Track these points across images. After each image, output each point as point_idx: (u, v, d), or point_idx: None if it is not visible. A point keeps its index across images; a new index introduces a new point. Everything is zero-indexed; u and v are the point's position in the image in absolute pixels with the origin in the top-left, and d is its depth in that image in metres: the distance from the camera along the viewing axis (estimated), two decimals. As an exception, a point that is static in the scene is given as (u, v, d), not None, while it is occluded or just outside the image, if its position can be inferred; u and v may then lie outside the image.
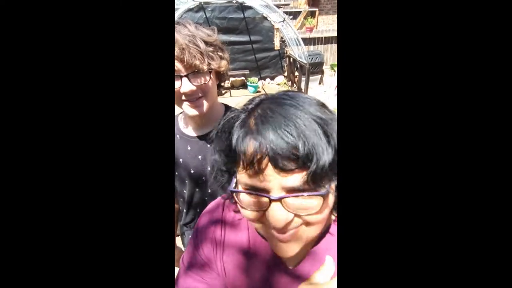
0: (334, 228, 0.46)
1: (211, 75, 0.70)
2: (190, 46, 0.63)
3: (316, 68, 5.23)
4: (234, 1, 4.70)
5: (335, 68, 5.32)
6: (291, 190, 0.34)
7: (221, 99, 0.79)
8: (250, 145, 0.34)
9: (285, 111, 0.34)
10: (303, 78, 4.50)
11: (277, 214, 0.34)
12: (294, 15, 5.93)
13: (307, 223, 0.36)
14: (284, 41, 5.03)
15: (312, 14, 6.09)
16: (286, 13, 5.27)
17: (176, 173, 0.82)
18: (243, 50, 5.06)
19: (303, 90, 4.27)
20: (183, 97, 0.68)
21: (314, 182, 0.33)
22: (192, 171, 0.80)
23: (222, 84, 0.78)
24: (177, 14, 4.40)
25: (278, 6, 5.41)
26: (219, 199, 0.55)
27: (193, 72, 0.66)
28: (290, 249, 0.38)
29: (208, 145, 0.78)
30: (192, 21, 0.69)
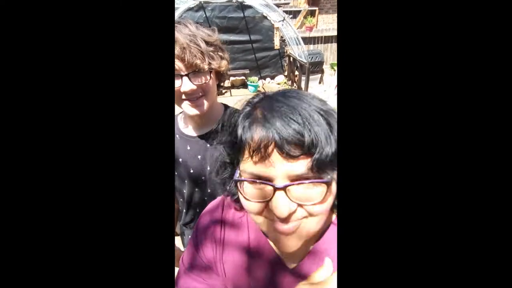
0: (334, 228, 0.46)
1: (211, 75, 0.70)
2: (191, 45, 0.63)
3: (316, 67, 5.23)
4: (234, 0, 4.69)
5: (335, 67, 5.32)
6: (295, 178, 0.34)
7: (221, 99, 0.79)
8: (256, 132, 0.35)
9: (290, 102, 0.36)
10: (303, 77, 4.50)
11: (281, 203, 0.34)
12: (294, 14, 5.92)
13: (310, 214, 0.36)
14: (284, 40, 5.03)
15: (312, 13, 6.08)
16: (286, 12, 5.26)
17: (176, 173, 0.82)
18: (243, 49, 5.05)
19: (303, 89, 4.27)
20: (183, 96, 0.68)
21: (318, 169, 0.34)
22: (192, 171, 0.80)
23: (222, 84, 0.78)
24: (177, 14, 4.40)
25: (278, 5, 5.40)
26: (219, 199, 0.55)
27: (194, 71, 0.66)
28: (292, 243, 0.38)
29: (208, 145, 0.78)
30: (193, 21, 0.69)
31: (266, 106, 0.36)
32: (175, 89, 0.66)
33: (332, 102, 0.39)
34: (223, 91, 4.72)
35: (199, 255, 0.52)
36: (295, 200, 0.35)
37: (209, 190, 0.82)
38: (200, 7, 4.62)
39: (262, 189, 0.36)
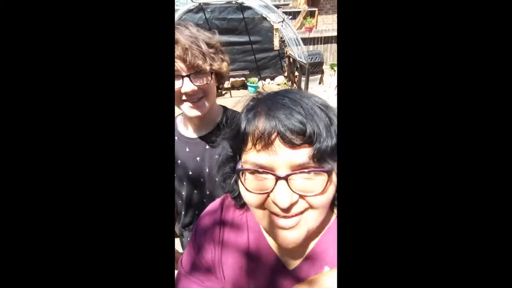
0: (333, 228, 0.45)
1: (212, 76, 0.70)
2: (193, 46, 0.64)
3: (316, 68, 5.24)
4: (233, 2, 4.70)
5: (335, 68, 5.32)
6: (297, 168, 0.35)
7: (221, 100, 0.79)
8: (260, 123, 0.36)
9: (292, 96, 0.38)
10: (303, 78, 4.50)
11: (283, 193, 0.35)
12: (294, 15, 5.93)
13: (311, 207, 0.37)
14: (284, 41, 5.04)
15: (311, 14, 6.10)
16: (286, 13, 5.27)
17: (175, 175, 0.82)
18: (243, 50, 5.06)
19: (303, 90, 4.26)
20: (184, 97, 0.68)
21: (319, 159, 0.35)
22: (190, 173, 0.80)
23: (221, 85, 0.78)
24: (177, 15, 4.41)
25: (277, 6, 5.41)
26: (218, 201, 0.55)
27: (195, 72, 0.66)
28: (293, 237, 0.38)
29: (207, 147, 0.78)
30: (193, 23, 0.70)
31: (269, 100, 0.38)
32: (175, 90, 0.66)
33: (332, 102, 0.39)
34: (223, 92, 4.73)
35: (198, 257, 0.52)
36: (297, 191, 0.35)
37: (208, 192, 0.82)
38: (199, 9, 4.63)
39: (263, 180, 0.37)
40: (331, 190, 0.37)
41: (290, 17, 5.54)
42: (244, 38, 4.97)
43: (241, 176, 0.38)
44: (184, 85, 0.66)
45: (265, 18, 4.94)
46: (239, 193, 0.44)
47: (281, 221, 0.37)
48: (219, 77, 0.75)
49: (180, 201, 0.87)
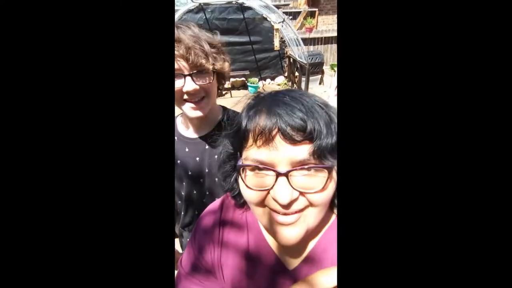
0: (333, 228, 0.45)
1: (214, 76, 0.70)
2: (196, 46, 0.64)
3: (316, 68, 5.24)
4: (233, 2, 4.70)
5: (335, 68, 5.32)
6: (298, 164, 0.35)
7: (222, 100, 0.79)
8: (261, 119, 0.36)
9: (293, 94, 0.38)
10: (303, 78, 4.50)
11: (283, 189, 0.35)
12: (294, 15, 5.93)
13: (311, 204, 0.37)
14: (284, 41, 5.04)
15: (311, 15, 6.09)
16: (286, 13, 5.27)
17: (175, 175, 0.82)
18: (243, 50, 5.07)
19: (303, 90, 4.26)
20: (185, 97, 0.68)
21: (319, 156, 0.35)
22: (190, 173, 0.80)
23: (220, 87, 0.78)
24: (177, 15, 4.41)
25: (278, 7, 5.41)
26: (218, 201, 0.55)
27: (197, 71, 0.66)
28: (292, 234, 0.38)
29: (207, 147, 0.78)
30: (195, 23, 0.70)
31: (270, 99, 0.38)
32: (177, 89, 0.66)
33: (332, 102, 0.40)
34: (224, 92, 4.73)
35: (198, 258, 0.52)
36: (297, 188, 0.35)
37: (207, 192, 0.81)
38: (200, 9, 4.64)
39: (264, 177, 0.37)
40: (331, 187, 0.37)
41: (291, 17, 5.54)
42: (245, 38, 4.97)
43: (241, 172, 0.38)
44: (186, 84, 0.66)
45: (265, 19, 4.94)
46: (239, 191, 0.44)
47: (281, 218, 0.37)
48: (221, 77, 0.75)
49: (179, 201, 0.87)
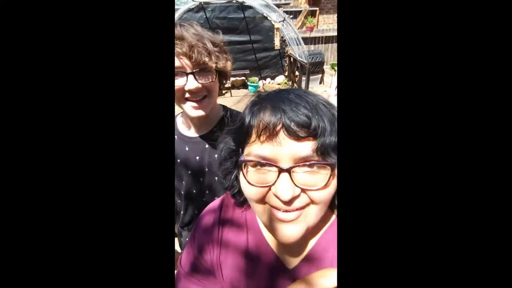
0: (333, 228, 0.45)
1: (216, 75, 0.70)
2: (199, 44, 0.63)
3: (316, 67, 5.23)
4: (234, 1, 4.69)
5: (336, 68, 5.31)
6: (300, 161, 0.35)
7: (222, 99, 0.79)
8: (266, 115, 0.36)
9: (298, 92, 0.39)
10: (304, 78, 4.50)
11: (285, 185, 0.35)
12: (295, 14, 5.92)
13: (312, 202, 0.37)
14: (285, 40, 5.03)
15: (312, 14, 6.08)
16: (287, 12, 5.26)
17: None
18: (244, 49, 5.06)
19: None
20: (187, 95, 0.68)
21: (322, 153, 0.35)
22: (190, 172, 0.80)
23: (222, 86, 0.78)
24: (177, 14, 4.41)
25: (278, 6, 5.40)
26: (217, 200, 0.55)
27: (200, 69, 0.66)
28: (293, 231, 0.38)
29: (207, 146, 0.78)
30: (197, 22, 0.69)
31: (275, 96, 0.39)
32: (179, 87, 0.66)
33: (332, 102, 0.40)
34: (224, 91, 4.73)
35: (197, 257, 0.52)
36: (299, 185, 0.35)
37: (207, 191, 0.81)
38: (200, 8, 4.63)
39: (266, 173, 0.37)
40: (334, 185, 0.37)
41: (291, 16, 5.53)
42: (245, 37, 4.96)
43: (243, 168, 0.38)
44: (188, 83, 0.65)
45: (266, 17, 4.93)
46: (239, 189, 0.44)
47: (281, 215, 0.37)
48: (222, 76, 0.75)
49: (179, 200, 0.87)
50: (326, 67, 5.55)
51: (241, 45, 4.98)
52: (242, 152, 0.40)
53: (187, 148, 0.79)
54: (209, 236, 0.51)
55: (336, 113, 0.38)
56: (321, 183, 0.36)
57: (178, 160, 0.80)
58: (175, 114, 0.81)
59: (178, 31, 0.63)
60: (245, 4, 4.73)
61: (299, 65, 4.80)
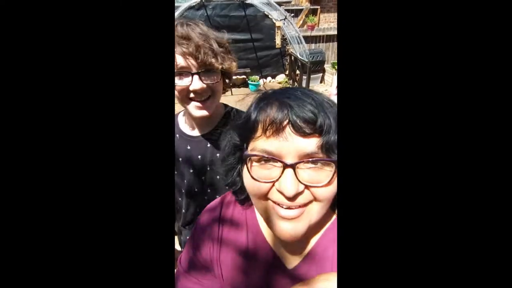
0: (333, 228, 0.45)
1: (220, 75, 0.70)
2: (205, 44, 0.63)
3: (317, 66, 5.22)
4: (235, -1, 4.68)
5: (337, 67, 5.29)
6: (305, 157, 0.35)
7: (222, 97, 0.78)
8: (272, 110, 0.37)
9: (303, 90, 0.39)
10: (305, 77, 4.48)
11: (289, 181, 0.35)
12: (296, 13, 5.89)
13: (315, 199, 0.37)
14: (286, 39, 5.01)
15: (313, 12, 6.05)
16: (288, 11, 5.24)
17: (175, 173, 0.82)
18: (244, 48, 5.04)
19: (304, 89, 4.24)
20: (191, 95, 0.67)
21: (327, 149, 0.35)
22: (191, 171, 0.80)
23: (225, 86, 0.78)
24: (178, 12, 4.39)
25: (280, 4, 5.37)
26: (218, 199, 0.55)
27: (205, 70, 0.65)
28: (295, 229, 0.38)
29: (208, 145, 0.78)
30: (203, 22, 0.69)
31: (281, 93, 0.39)
32: (183, 87, 0.66)
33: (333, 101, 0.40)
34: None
35: (196, 256, 0.52)
36: (303, 181, 0.36)
37: (209, 190, 0.81)
38: (201, 6, 4.61)
39: (270, 169, 0.37)
40: (337, 182, 0.37)
41: (292, 14, 5.51)
42: (246, 36, 4.95)
43: (247, 162, 0.38)
44: (193, 83, 0.65)
45: (267, 16, 4.91)
46: (241, 187, 0.44)
47: (283, 212, 0.37)
48: (226, 76, 0.74)
49: (180, 199, 0.87)
50: (327, 66, 5.53)
51: (242, 44, 4.96)
52: (247, 147, 0.40)
53: (189, 147, 0.79)
54: (209, 235, 0.51)
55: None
56: (325, 180, 0.36)
57: (180, 159, 0.80)
58: (176, 112, 0.80)
59: (184, 30, 0.63)
60: (246, 2, 4.71)
61: (300, 63, 4.79)
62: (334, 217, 0.46)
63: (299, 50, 4.77)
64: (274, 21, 4.86)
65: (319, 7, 6.05)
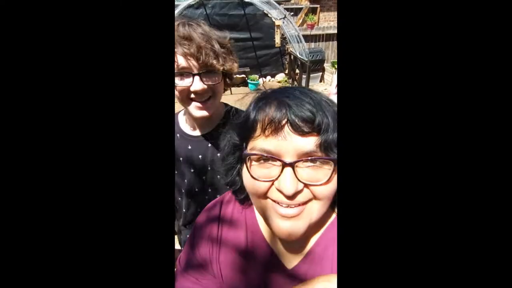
0: (333, 227, 0.45)
1: (221, 76, 0.70)
2: (207, 45, 0.63)
3: (317, 65, 5.21)
4: (234, -2, 4.66)
5: (336, 66, 5.29)
6: (304, 156, 0.36)
7: (222, 96, 0.78)
8: (271, 110, 0.37)
9: (302, 89, 0.40)
10: (304, 76, 4.48)
11: (288, 180, 0.35)
12: (295, 11, 5.88)
13: (315, 197, 0.37)
14: (285, 38, 5.00)
15: (313, 11, 6.04)
16: (287, 9, 5.22)
17: (176, 172, 0.82)
18: (244, 47, 5.03)
19: (304, 88, 4.23)
20: (192, 96, 0.67)
21: (325, 148, 0.35)
22: (192, 170, 0.80)
23: (226, 87, 0.78)
24: (177, 11, 4.38)
25: (279, 3, 5.36)
26: (217, 199, 0.55)
27: (207, 71, 0.65)
28: (295, 227, 0.38)
29: (209, 145, 0.78)
30: (204, 21, 0.69)
31: (280, 92, 0.39)
32: (184, 88, 0.65)
33: (333, 100, 0.40)
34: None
35: (195, 255, 0.52)
36: (302, 180, 0.36)
37: (210, 190, 0.81)
38: (200, 4, 4.59)
39: (269, 168, 0.37)
40: (336, 181, 0.38)
41: (292, 13, 5.50)
42: (245, 35, 4.93)
43: (246, 162, 0.38)
44: (194, 84, 0.65)
45: (266, 15, 4.90)
46: (240, 186, 0.44)
47: (283, 210, 0.37)
48: (227, 77, 0.74)
49: (180, 198, 0.86)
50: (327, 65, 5.53)
51: (242, 43, 4.95)
52: (246, 146, 0.40)
53: (189, 147, 0.79)
54: (208, 235, 0.51)
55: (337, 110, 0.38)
56: (324, 178, 0.36)
57: (181, 158, 0.80)
58: (177, 111, 0.80)
59: (186, 30, 0.62)
60: (246, 1, 4.70)
61: (299, 63, 4.78)
62: (334, 216, 0.46)
63: (299, 49, 4.76)
64: (274, 20, 4.85)
65: (318, 5, 6.04)
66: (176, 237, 1.00)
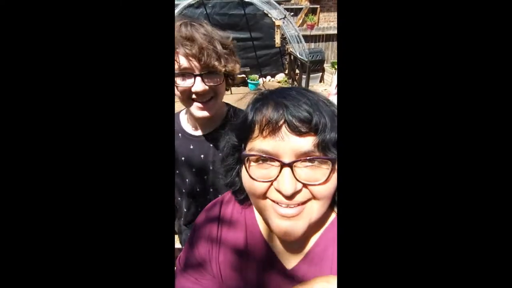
0: (332, 227, 0.45)
1: (223, 77, 0.69)
2: (209, 46, 0.63)
3: (317, 65, 5.21)
4: (235, -3, 4.66)
5: (336, 66, 5.29)
6: (302, 156, 0.36)
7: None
8: (268, 111, 0.37)
9: (299, 90, 0.40)
10: (304, 76, 4.48)
11: (287, 180, 0.35)
12: (295, 12, 5.88)
13: (314, 197, 0.37)
14: (285, 38, 5.00)
15: (313, 11, 6.04)
16: (287, 9, 5.22)
17: (178, 172, 0.82)
18: (244, 47, 5.02)
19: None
20: (193, 96, 0.67)
21: (323, 148, 0.36)
22: (194, 170, 0.80)
23: (227, 88, 0.77)
24: (177, 10, 4.37)
25: (279, 3, 5.36)
26: (217, 199, 0.55)
27: (208, 72, 0.65)
28: (295, 227, 0.38)
29: (211, 145, 0.77)
30: (207, 22, 0.69)
31: (277, 93, 0.40)
32: (186, 88, 0.65)
33: (332, 100, 0.40)
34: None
35: (195, 255, 0.52)
36: (301, 180, 0.36)
37: (211, 189, 0.81)
38: (200, 4, 4.58)
39: (268, 168, 0.37)
40: (334, 180, 0.38)
41: (292, 13, 5.50)
42: (245, 35, 4.93)
43: (245, 162, 0.39)
44: (195, 84, 0.65)
45: (266, 15, 4.89)
46: (240, 187, 0.44)
47: (283, 210, 0.37)
48: (229, 78, 0.74)
49: (179, 198, 0.86)
50: (327, 66, 5.53)
51: (242, 42, 4.94)
52: (245, 147, 0.40)
53: (191, 146, 0.79)
54: (208, 235, 0.51)
55: (336, 111, 0.39)
56: (322, 178, 0.36)
57: (183, 158, 0.80)
58: (176, 111, 0.80)
59: (188, 31, 0.62)
60: (246, 0, 4.70)
61: (299, 63, 4.78)
62: (333, 216, 0.46)
63: (299, 49, 4.76)
64: (274, 20, 4.85)
65: (318, 6, 6.04)
66: (176, 236, 1.00)
